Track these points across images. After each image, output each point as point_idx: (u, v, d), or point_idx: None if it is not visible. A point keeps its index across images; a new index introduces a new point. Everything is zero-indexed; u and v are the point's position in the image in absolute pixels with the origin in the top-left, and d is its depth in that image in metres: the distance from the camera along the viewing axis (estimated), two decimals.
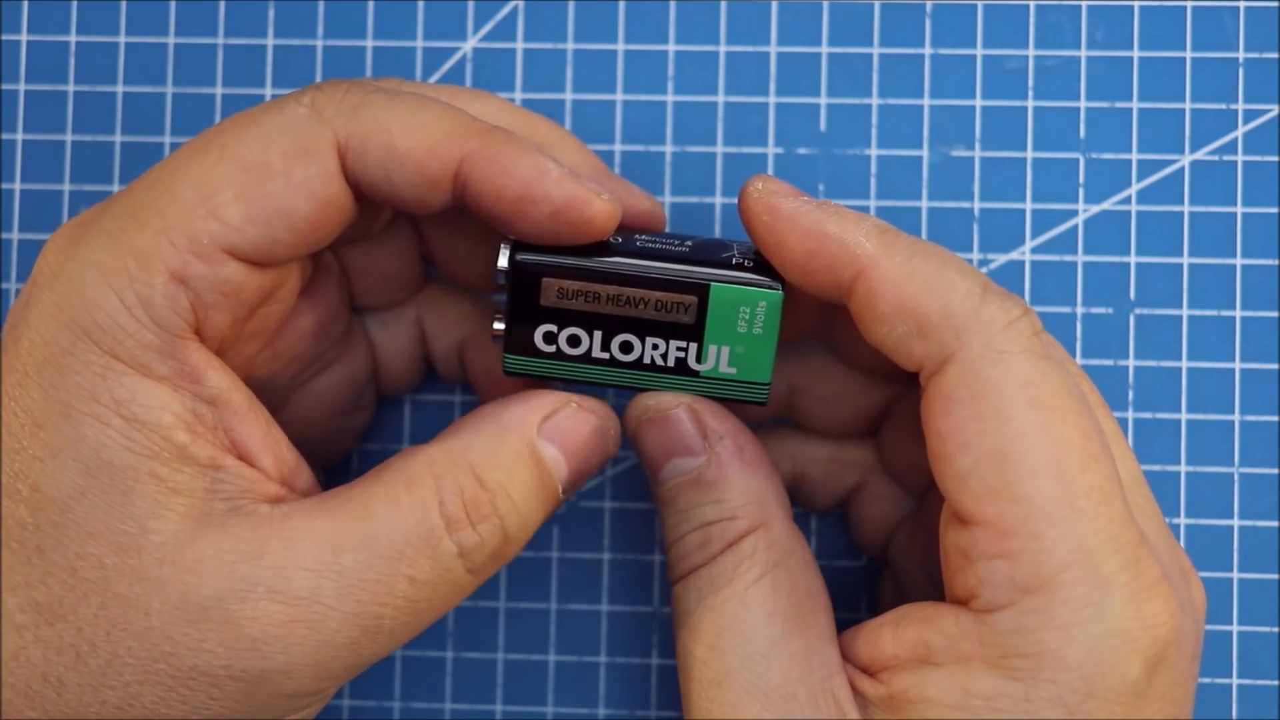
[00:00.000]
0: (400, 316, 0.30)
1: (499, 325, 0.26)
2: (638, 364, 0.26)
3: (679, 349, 0.25)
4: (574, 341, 0.25)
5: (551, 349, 0.25)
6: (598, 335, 0.25)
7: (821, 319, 0.28)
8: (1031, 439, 0.23)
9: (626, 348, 0.25)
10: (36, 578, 0.23)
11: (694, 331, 0.25)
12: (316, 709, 0.25)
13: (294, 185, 0.23)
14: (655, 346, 0.25)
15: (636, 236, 0.26)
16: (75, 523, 0.23)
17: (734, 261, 0.25)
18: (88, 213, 0.24)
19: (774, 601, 0.25)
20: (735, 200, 0.32)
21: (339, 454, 0.31)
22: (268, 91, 0.33)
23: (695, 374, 0.26)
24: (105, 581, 0.22)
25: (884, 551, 0.30)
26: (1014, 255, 0.32)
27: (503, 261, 0.25)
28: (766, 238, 0.25)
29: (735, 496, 0.25)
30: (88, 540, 0.23)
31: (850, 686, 0.24)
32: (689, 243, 0.26)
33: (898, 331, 0.24)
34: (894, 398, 0.29)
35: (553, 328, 0.25)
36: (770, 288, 0.25)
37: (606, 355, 0.26)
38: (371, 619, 0.23)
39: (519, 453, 0.25)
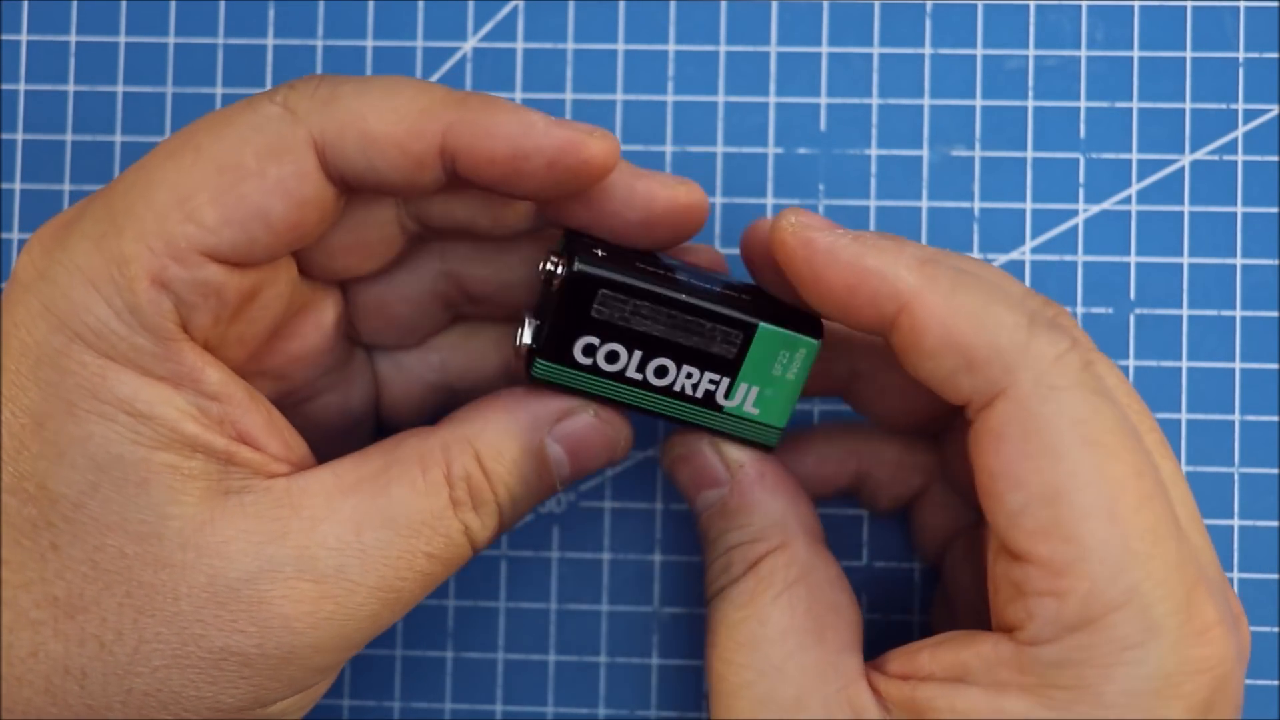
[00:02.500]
0: (419, 360, 0.30)
1: (528, 332, 0.25)
2: (667, 390, 0.26)
3: (711, 381, 0.26)
4: (612, 358, 0.25)
5: (588, 362, 0.25)
6: (637, 355, 0.25)
7: (845, 376, 0.29)
8: (1084, 478, 0.22)
9: (661, 372, 0.25)
10: (52, 573, 0.23)
11: (731, 367, 0.25)
12: (333, 678, 0.26)
13: (269, 185, 0.23)
14: (689, 375, 0.26)
15: (661, 259, 0.26)
16: (90, 518, 0.23)
17: (782, 306, 0.26)
18: (69, 212, 0.24)
19: (791, 618, 0.25)
20: (735, 200, 0.32)
21: None
22: None
23: (719, 409, 0.26)
24: (128, 570, 0.23)
25: (940, 561, 0.30)
26: (1014, 255, 0.32)
27: (552, 267, 0.25)
28: (804, 274, 0.24)
29: (757, 521, 0.26)
30: (105, 533, 0.23)
31: (872, 690, 0.24)
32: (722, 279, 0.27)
33: (945, 367, 0.24)
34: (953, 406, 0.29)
35: (594, 340, 0.25)
36: (812, 336, 0.25)
37: (639, 377, 0.25)
38: (392, 591, 0.24)
39: (525, 448, 0.25)
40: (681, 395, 0.26)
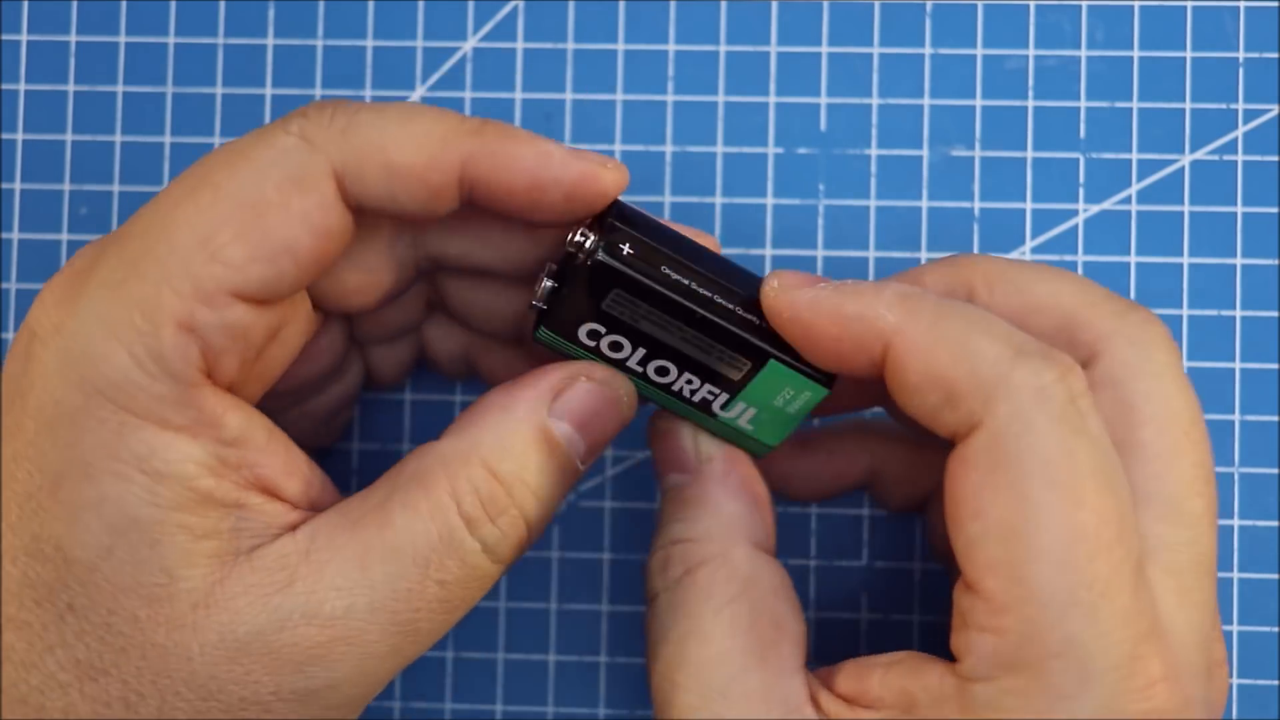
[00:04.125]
0: (408, 340, 0.30)
1: (542, 292, 0.25)
2: (665, 388, 0.26)
3: (710, 392, 0.25)
4: (615, 347, 0.25)
5: (590, 344, 0.25)
6: (640, 352, 0.25)
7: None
8: (1043, 520, 0.22)
9: (662, 372, 0.25)
10: (72, 635, 0.23)
11: (733, 387, 0.25)
12: (362, 708, 0.25)
13: (293, 218, 0.23)
14: (689, 382, 0.25)
15: (702, 257, 0.25)
16: (105, 580, 0.23)
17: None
18: (80, 261, 0.24)
19: (733, 638, 0.24)
20: (735, 200, 0.32)
21: (325, 446, 0.32)
22: (268, 91, 0.33)
23: (713, 416, 0.26)
24: (142, 633, 0.23)
25: (950, 561, 0.30)
26: (1014, 255, 0.32)
27: (581, 238, 0.24)
28: (794, 334, 0.24)
29: (705, 519, 0.26)
30: (119, 596, 0.23)
31: (817, 709, 0.24)
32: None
33: (929, 401, 0.23)
34: None
35: (600, 328, 0.25)
36: (821, 384, 0.25)
37: (639, 370, 0.25)
38: (408, 625, 0.24)
39: (530, 439, 0.24)
40: (678, 395, 0.26)
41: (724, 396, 0.25)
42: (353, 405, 0.31)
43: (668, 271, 0.24)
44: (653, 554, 0.26)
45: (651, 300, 0.24)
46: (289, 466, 0.24)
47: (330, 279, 0.26)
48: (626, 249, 0.24)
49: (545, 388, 0.25)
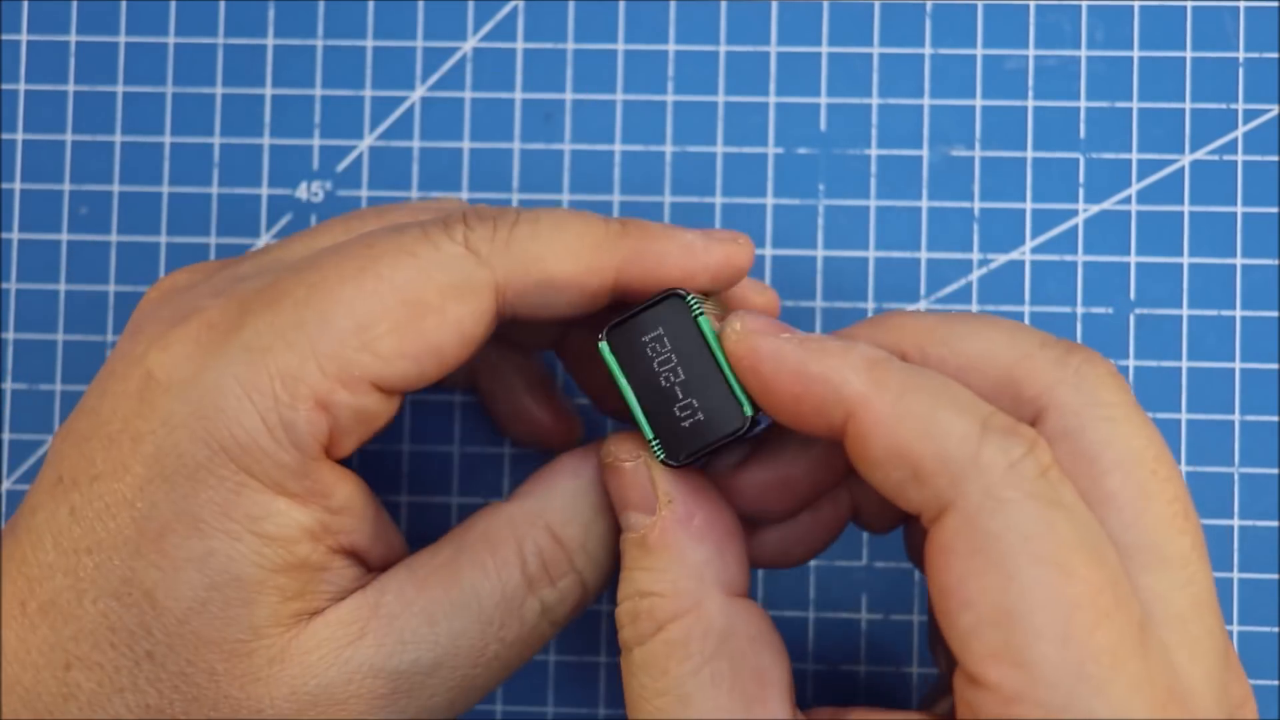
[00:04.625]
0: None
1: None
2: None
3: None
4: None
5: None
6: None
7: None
8: (1036, 598, 0.21)
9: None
10: (145, 681, 0.23)
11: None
12: None
13: (448, 323, 0.24)
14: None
15: None
16: (191, 632, 0.23)
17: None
18: (217, 316, 0.24)
19: (714, 698, 0.23)
20: (735, 200, 0.32)
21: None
22: (268, 91, 0.33)
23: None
24: (216, 687, 0.23)
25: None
26: (1014, 255, 0.32)
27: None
28: (751, 382, 0.23)
29: (671, 569, 0.24)
30: (201, 648, 0.23)
31: None
32: None
33: (893, 477, 0.22)
34: None
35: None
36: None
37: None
38: (465, 681, 0.24)
39: (599, 509, 0.25)
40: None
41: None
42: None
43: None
44: (620, 603, 0.24)
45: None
46: (377, 532, 0.25)
47: None
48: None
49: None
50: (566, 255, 0.24)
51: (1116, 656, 0.21)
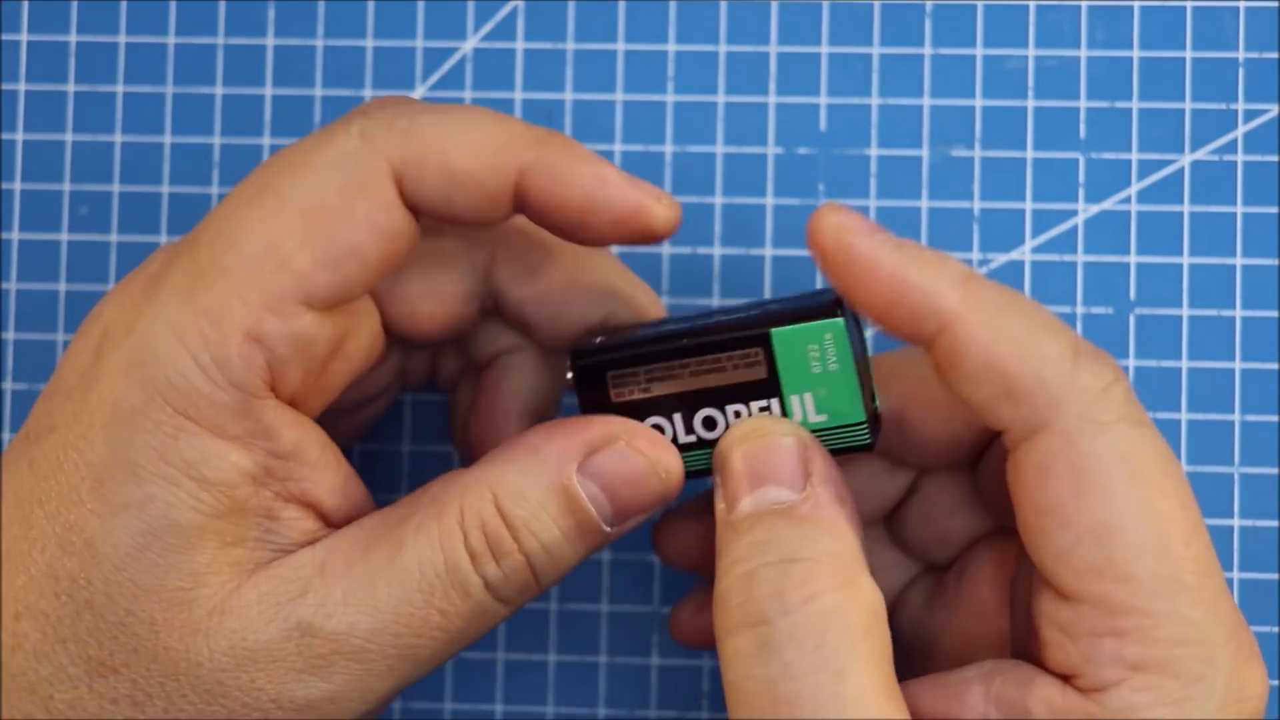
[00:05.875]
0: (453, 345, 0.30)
1: (569, 379, 0.25)
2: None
3: (761, 409, 0.24)
4: (658, 431, 0.25)
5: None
6: (679, 419, 0.25)
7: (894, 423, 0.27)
8: (1134, 514, 0.22)
9: (710, 424, 0.25)
10: (86, 632, 0.23)
11: (770, 387, 0.24)
12: None
13: (357, 222, 0.23)
14: (738, 414, 0.24)
15: (689, 318, 0.26)
16: (130, 580, 0.23)
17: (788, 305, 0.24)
18: (154, 265, 0.24)
19: (869, 675, 0.22)
20: (735, 200, 0.32)
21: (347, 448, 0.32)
22: (268, 91, 0.33)
23: None
24: (156, 638, 0.23)
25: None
26: (1014, 255, 0.32)
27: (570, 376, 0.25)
28: (842, 281, 0.23)
29: (826, 541, 0.23)
30: (139, 597, 0.23)
31: None
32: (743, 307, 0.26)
33: (983, 392, 0.23)
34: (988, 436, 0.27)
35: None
36: (830, 316, 0.24)
37: (694, 438, 0.25)
38: (406, 649, 0.24)
39: (549, 489, 0.24)
40: None
41: (774, 403, 0.24)
42: (386, 410, 0.31)
43: (641, 332, 0.25)
44: (749, 572, 0.23)
45: (641, 358, 0.24)
46: (336, 483, 0.24)
47: (404, 306, 0.26)
48: (598, 340, 0.25)
49: (580, 442, 0.24)
50: (469, 147, 0.23)
51: (1205, 566, 0.23)
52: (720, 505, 0.24)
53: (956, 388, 0.23)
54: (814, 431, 0.24)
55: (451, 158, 0.23)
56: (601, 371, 0.25)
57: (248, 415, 0.23)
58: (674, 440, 0.25)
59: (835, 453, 0.24)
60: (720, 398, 0.24)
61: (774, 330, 0.24)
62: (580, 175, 0.24)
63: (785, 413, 0.24)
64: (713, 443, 0.25)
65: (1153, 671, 0.22)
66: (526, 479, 0.24)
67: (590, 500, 0.24)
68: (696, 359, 0.24)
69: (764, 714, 0.22)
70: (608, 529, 0.24)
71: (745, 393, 0.24)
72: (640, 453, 0.24)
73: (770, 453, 0.24)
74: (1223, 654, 0.22)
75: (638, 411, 0.25)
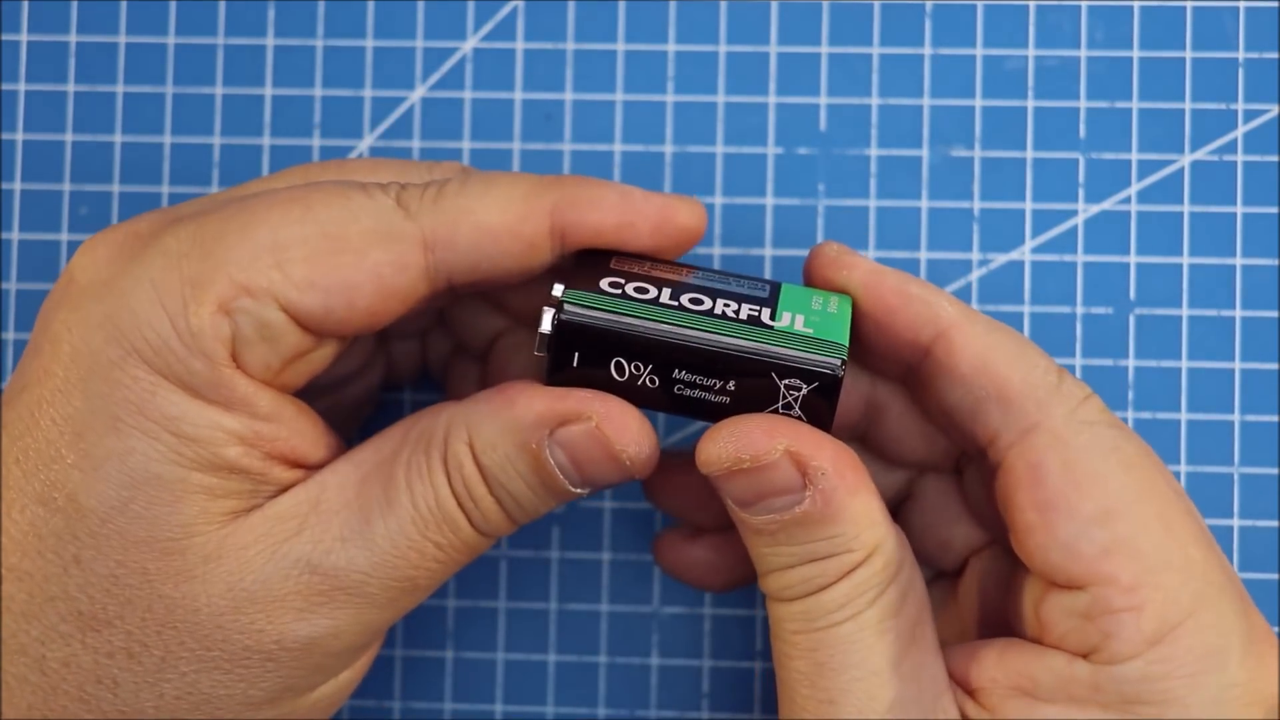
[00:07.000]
0: (420, 334, 0.31)
1: (545, 326, 0.24)
2: (708, 313, 0.24)
3: (752, 309, 0.24)
4: (641, 290, 0.24)
5: (616, 293, 0.24)
6: (666, 290, 0.24)
7: (864, 412, 0.28)
8: (1133, 496, 0.24)
9: (696, 302, 0.24)
10: (75, 587, 0.23)
11: (768, 301, 0.25)
12: (369, 659, 0.26)
13: (365, 265, 0.24)
14: (727, 304, 0.24)
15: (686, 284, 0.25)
16: (116, 533, 0.23)
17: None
18: (144, 224, 0.24)
19: (888, 620, 0.24)
20: (735, 200, 0.32)
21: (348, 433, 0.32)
22: (268, 92, 0.33)
23: (769, 328, 0.24)
24: (150, 585, 0.23)
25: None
26: (1014, 255, 0.32)
27: (545, 327, 0.24)
28: (848, 286, 0.26)
29: (847, 529, 0.23)
30: (129, 549, 0.23)
31: (957, 709, 0.24)
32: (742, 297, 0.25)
33: (974, 395, 0.25)
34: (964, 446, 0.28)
35: (620, 279, 0.25)
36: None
37: (674, 303, 0.24)
38: (406, 580, 0.24)
39: (518, 446, 0.24)
40: (724, 318, 0.24)
41: (767, 310, 0.24)
42: (375, 400, 0.31)
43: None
44: (785, 570, 0.24)
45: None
46: (316, 437, 0.25)
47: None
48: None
49: (553, 413, 0.24)
50: (495, 204, 0.24)
51: (1208, 542, 0.24)
52: (729, 505, 0.24)
53: (947, 394, 0.25)
54: (796, 338, 0.24)
55: (480, 215, 0.24)
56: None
57: (221, 384, 0.23)
58: (656, 300, 0.24)
59: (804, 377, 0.24)
60: (718, 294, 0.25)
61: (785, 284, 0.26)
62: (605, 198, 0.25)
63: (775, 317, 0.24)
64: (693, 312, 0.24)
65: (1168, 644, 0.23)
66: (500, 434, 0.24)
67: (557, 465, 0.24)
68: (708, 277, 0.25)
69: (805, 652, 0.24)
70: (577, 490, 0.25)
71: (739, 297, 0.25)
72: (611, 433, 0.24)
73: (764, 474, 0.23)
74: (1237, 628, 0.23)
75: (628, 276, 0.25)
